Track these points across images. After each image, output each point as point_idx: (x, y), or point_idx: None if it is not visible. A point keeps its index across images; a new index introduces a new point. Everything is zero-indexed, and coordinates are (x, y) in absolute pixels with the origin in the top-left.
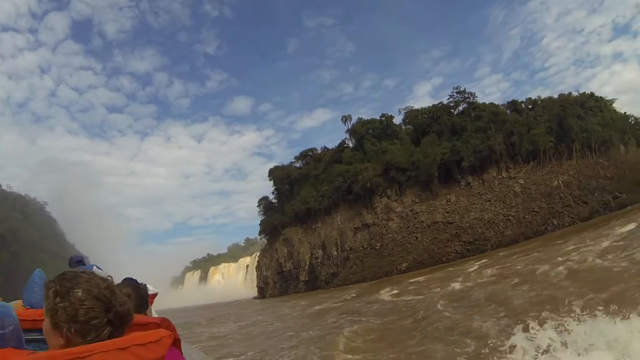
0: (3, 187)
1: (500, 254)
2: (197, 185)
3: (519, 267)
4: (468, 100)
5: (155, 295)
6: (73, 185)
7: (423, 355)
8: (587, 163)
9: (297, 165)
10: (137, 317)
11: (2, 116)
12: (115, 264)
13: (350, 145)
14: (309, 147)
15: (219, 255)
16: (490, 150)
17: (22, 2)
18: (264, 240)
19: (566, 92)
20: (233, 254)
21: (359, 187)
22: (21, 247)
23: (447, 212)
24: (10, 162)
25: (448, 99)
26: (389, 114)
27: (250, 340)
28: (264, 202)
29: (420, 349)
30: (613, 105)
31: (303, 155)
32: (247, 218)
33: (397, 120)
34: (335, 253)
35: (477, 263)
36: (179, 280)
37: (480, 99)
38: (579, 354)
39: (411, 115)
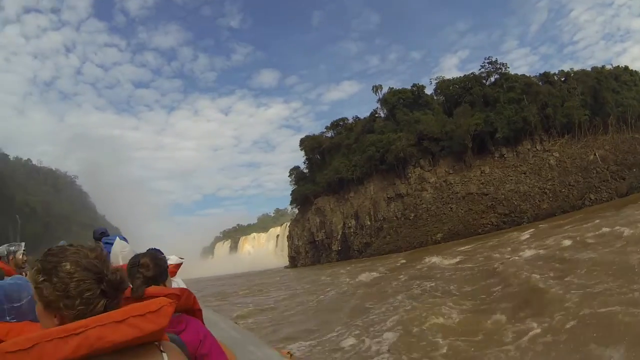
0: (33, 163)
1: (541, 225)
2: (226, 157)
3: (590, 233)
4: (500, 71)
5: (179, 265)
6: (103, 160)
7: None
8: (624, 138)
9: (328, 135)
10: (155, 289)
11: (30, 95)
12: (145, 235)
13: (382, 115)
14: (340, 117)
15: (248, 225)
16: (524, 122)
17: None
18: (294, 211)
19: (599, 66)
20: (263, 224)
21: (392, 157)
22: (53, 220)
23: (482, 184)
24: (41, 140)
25: (479, 69)
26: (420, 84)
27: (312, 315)
28: (295, 172)
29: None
30: None
31: (334, 125)
32: (276, 189)
33: (428, 90)
34: (369, 223)
35: (526, 232)
36: (208, 250)
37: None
38: None
39: (442, 85)
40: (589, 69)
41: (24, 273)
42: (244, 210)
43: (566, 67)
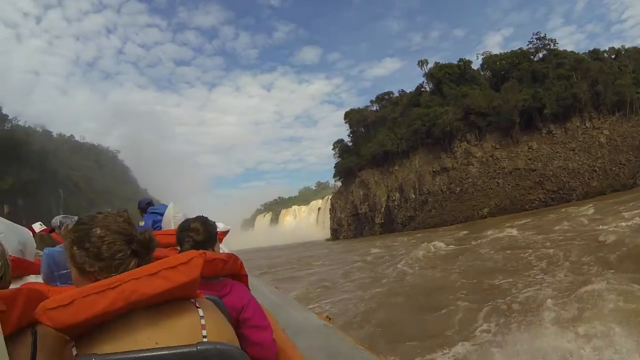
0: (76, 139)
1: (597, 203)
2: (268, 131)
3: None
4: (548, 47)
5: (226, 232)
6: (145, 135)
7: None
8: None
9: (373, 108)
10: (207, 253)
11: (73, 76)
12: (187, 208)
13: (428, 89)
14: (385, 91)
15: (290, 198)
16: (574, 98)
17: None
18: (336, 185)
19: None
20: (304, 197)
21: (439, 131)
22: (97, 194)
23: (529, 159)
24: (84, 118)
25: (527, 44)
26: (466, 59)
27: (408, 298)
28: (339, 144)
29: None
30: None
31: (379, 99)
32: (318, 163)
33: (474, 66)
34: (413, 196)
35: (584, 208)
36: (249, 223)
37: None
38: None
39: (489, 60)
40: None
41: None
42: (286, 184)
43: (614, 46)
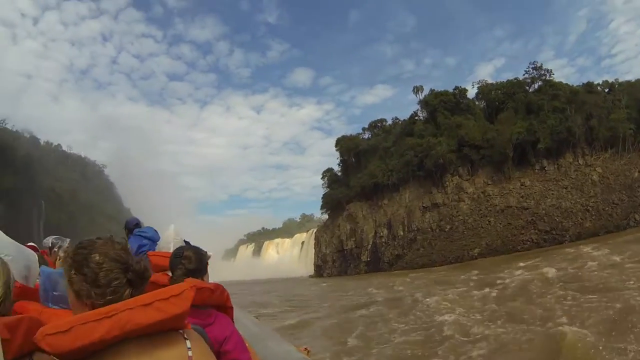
0: (63, 148)
1: (589, 245)
2: (255, 157)
3: None
4: (544, 77)
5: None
6: (132, 151)
7: None
8: None
9: (365, 136)
10: (194, 281)
11: (66, 82)
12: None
13: (422, 117)
14: (378, 118)
15: (273, 229)
16: (568, 132)
17: None
18: (321, 217)
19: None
20: (288, 230)
21: (431, 163)
22: (79, 208)
23: (522, 197)
24: (73, 127)
25: (524, 74)
26: (462, 87)
27: None
28: (328, 174)
29: None
30: None
31: (372, 126)
32: (304, 194)
33: (470, 94)
34: (402, 233)
35: (587, 248)
36: (231, 253)
37: None
38: None
39: (484, 89)
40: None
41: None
42: (270, 214)
43: (607, 80)
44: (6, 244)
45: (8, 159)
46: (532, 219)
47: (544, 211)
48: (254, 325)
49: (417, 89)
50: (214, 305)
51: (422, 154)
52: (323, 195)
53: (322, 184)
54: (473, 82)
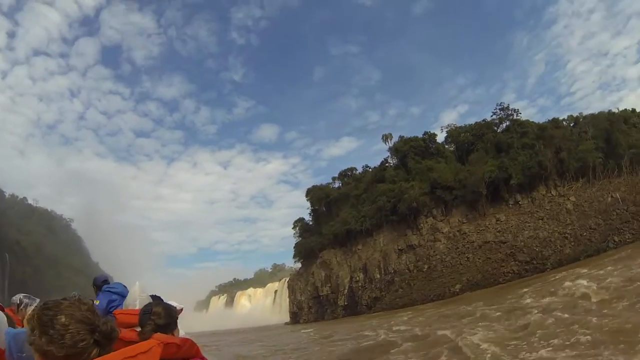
0: (29, 202)
1: (581, 269)
2: (223, 211)
3: None
4: (511, 117)
5: (180, 310)
6: (100, 205)
7: None
8: (639, 179)
9: (335, 186)
10: (161, 337)
11: (33, 137)
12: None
13: (392, 164)
14: (347, 168)
15: (245, 280)
16: (539, 166)
17: (54, 28)
18: (293, 267)
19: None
20: (260, 280)
21: (405, 207)
22: (45, 262)
23: (499, 232)
24: (39, 182)
25: (491, 116)
26: (431, 132)
27: None
28: (299, 223)
29: None
30: None
31: (342, 176)
32: (273, 245)
33: (439, 139)
34: (378, 276)
35: (575, 275)
36: (203, 305)
37: None
38: None
39: (454, 133)
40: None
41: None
42: (240, 265)
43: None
44: None
45: None
46: (511, 252)
47: (522, 243)
48: None
49: (386, 137)
50: (183, 359)
51: (394, 199)
52: (295, 244)
53: (294, 234)
54: (442, 127)
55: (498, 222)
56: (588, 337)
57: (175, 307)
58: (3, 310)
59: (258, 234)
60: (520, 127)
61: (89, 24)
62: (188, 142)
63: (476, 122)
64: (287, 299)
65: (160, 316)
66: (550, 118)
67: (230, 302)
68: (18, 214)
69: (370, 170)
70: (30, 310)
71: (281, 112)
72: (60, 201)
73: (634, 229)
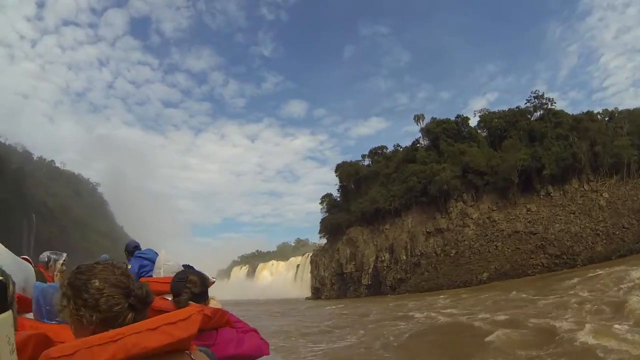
0: (56, 165)
1: (617, 267)
2: (249, 183)
3: None
4: (546, 106)
5: (212, 282)
6: (127, 171)
7: None
8: None
9: (365, 163)
10: (198, 306)
11: (62, 104)
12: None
13: (424, 145)
14: (378, 146)
15: (268, 252)
16: (573, 158)
17: None
18: (316, 242)
19: None
20: (282, 253)
21: (435, 189)
22: (71, 224)
23: (529, 222)
24: (67, 147)
25: (525, 103)
26: (464, 115)
27: None
28: (327, 199)
29: None
30: None
31: (372, 153)
32: (296, 220)
33: (471, 123)
34: (405, 257)
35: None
36: (224, 274)
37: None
38: None
39: (487, 118)
40: None
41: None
42: (264, 238)
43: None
44: (4, 255)
45: None
46: (541, 244)
47: (553, 236)
48: None
49: (418, 117)
50: (212, 328)
51: (425, 180)
52: (322, 219)
53: (321, 209)
54: (475, 111)
55: (529, 212)
56: None
57: (208, 278)
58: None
59: (283, 208)
60: (555, 117)
61: None
62: (216, 114)
63: (509, 109)
64: (309, 274)
65: (195, 284)
66: (588, 110)
67: (251, 273)
68: (45, 176)
69: (401, 149)
70: (59, 265)
71: (310, 88)
72: (88, 166)
73: None
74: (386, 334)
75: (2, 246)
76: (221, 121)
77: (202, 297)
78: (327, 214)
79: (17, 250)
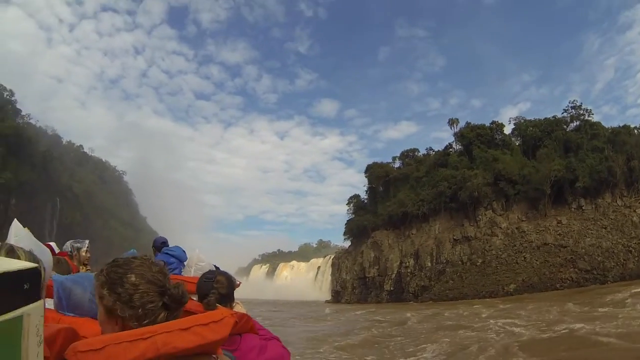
0: (84, 150)
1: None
2: (274, 181)
3: None
4: (582, 117)
5: (238, 285)
6: (154, 161)
7: None
8: None
9: (395, 165)
10: (228, 311)
11: (94, 90)
12: (184, 246)
13: (456, 149)
14: (409, 148)
15: (289, 252)
16: (608, 172)
17: None
18: (338, 245)
19: None
20: (304, 254)
21: (466, 195)
22: (94, 210)
23: (559, 235)
24: (97, 133)
25: (562, 113)
26: (499, 121)
27: None
28: (354, 200)
29: None
30: None
31: (403, 156)
32: (320, 221)
33: (506, 131)
34: (429, 264)
35: None
36: (244, 272)
37: None
38: None
39: (522, 126)
40: None
41: (87, 269)
42: (286, 237)
43: None
44: (31, 241)
45: (27, 152)
46: (571, 257)
47: (583, 250)
48: None
49: (452, 122)
50: (236, 333)
51: (455, 186)
52: (347, 221)
53: (347, 210)
54: (510, 118)
55: (559, 224)
56: None
57: (235, 280)
58: (53, 252)
59: (307, 208)
60: (592, 129)
61: None
62: (247, 108)
63: (545, 118)
64: (330, 277)
65: (223, 285)
66: (625, 124)
67: (271, 272)
68: (72, 161)
69: (433, 153)
70: (83, 252)
71: (342, 88)
72: (115, 154)
73: None
74: (480, 345)
75: (25, 230)
76: (252, 116)
77: (228, 298)
78: (353, 216)
79: (39, 235)
